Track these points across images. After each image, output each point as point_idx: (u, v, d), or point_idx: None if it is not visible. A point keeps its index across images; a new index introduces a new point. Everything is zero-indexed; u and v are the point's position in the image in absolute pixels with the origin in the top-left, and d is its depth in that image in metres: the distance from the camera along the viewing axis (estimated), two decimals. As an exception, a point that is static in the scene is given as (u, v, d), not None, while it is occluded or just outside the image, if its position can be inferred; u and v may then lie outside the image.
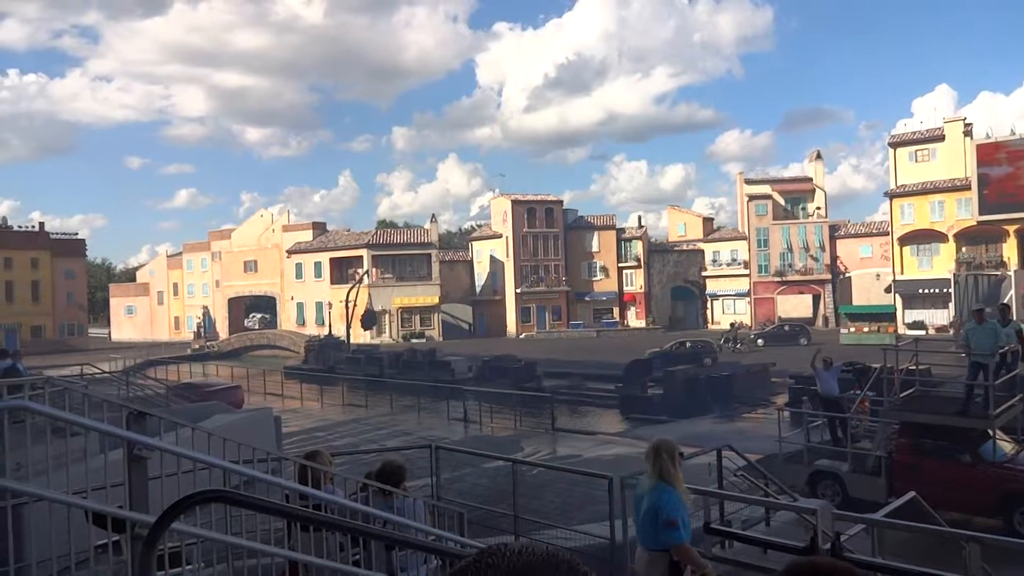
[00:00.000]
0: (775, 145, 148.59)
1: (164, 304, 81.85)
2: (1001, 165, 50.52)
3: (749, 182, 71.10)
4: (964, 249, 52.91)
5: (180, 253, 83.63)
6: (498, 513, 9.54)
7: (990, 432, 12.32)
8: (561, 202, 72.20)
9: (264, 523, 5.27)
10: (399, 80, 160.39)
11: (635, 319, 70.42)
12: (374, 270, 66.51)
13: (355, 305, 52.33)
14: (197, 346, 64.76)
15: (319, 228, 74.75)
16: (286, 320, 71.51)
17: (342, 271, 67.96)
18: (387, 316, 65.81)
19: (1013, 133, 51.63)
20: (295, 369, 42.14)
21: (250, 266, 74.24)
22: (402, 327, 66.39)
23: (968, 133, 55.57)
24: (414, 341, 60.22)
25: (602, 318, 69.89)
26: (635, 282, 71.11)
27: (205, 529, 4.37)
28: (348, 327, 51.50)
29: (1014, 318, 15.20)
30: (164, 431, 5.08)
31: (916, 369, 14.88)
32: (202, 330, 72.45)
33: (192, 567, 4.56)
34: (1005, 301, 16.43)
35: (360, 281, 57.60)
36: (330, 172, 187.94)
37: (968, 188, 51.99)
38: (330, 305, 61.12)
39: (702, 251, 71.52)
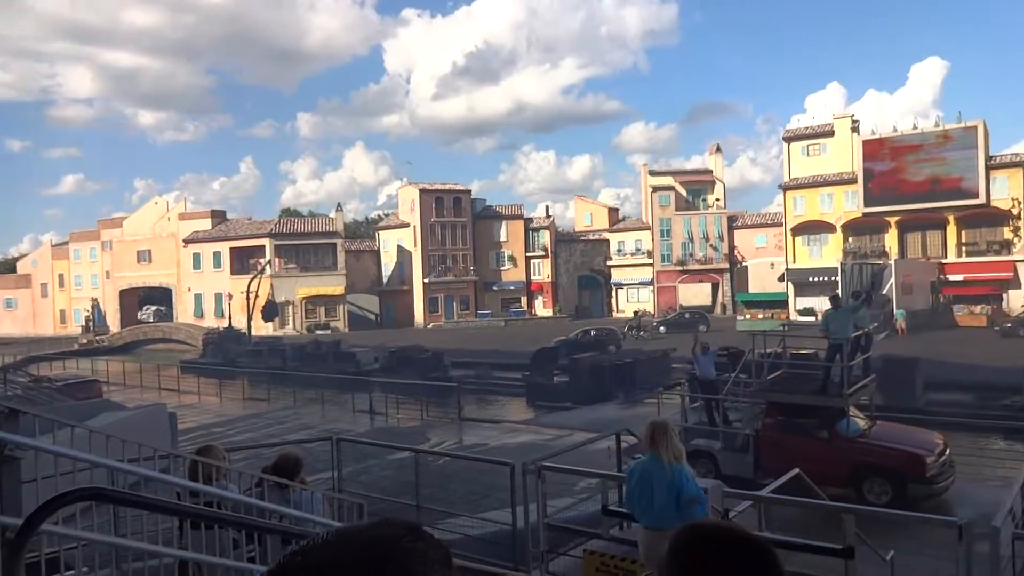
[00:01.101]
0: (678, 138, 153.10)
1: (48, 297, 77.27)
2: (885, 160, 53.62)
3: (653, 174, 72.93)
4: (851, 239, 55.97)
5: (67, 242, 79.10)
6: (401, 504, 9.48)
7: (845, 409, 13.12)
8: (469, 191, 72.17)
9: (156, 523, 5.06)
10: (303, 64, 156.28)
11: (543, 308, 71.23)
12: (277, 260, 64.71)
13: (256, 296, 50.80)
14: (85, 340, 61.46)
15: (219, 216, 72.07)
16: (183, 312, 68.70)
17: (243, 261, 65.83)
18: (291, 307, 64.23)
19: (896, 130, 54.87)
20: (192, 363, 40.60)
21: (144, 256, 70.91)
22: (306, 318, 64.94)
23: (856, 129, 58.74)
24: (319, 333, 59.02)
25: (510, 307, 70.37)
26: (543, 271, 71.90)
27: (87, 531, 4.15)
28: (249, 319, 49.99)
29: (871, 304, 16.42)
30: (42, 430, 4.80)
31: (783, 352, 15.64)
32: (91, 324, 68.72)
33: (74, 572, 4.32)
34: (859, 289, 17.86)
35: (262, 271, 55.97)
36: (231, 158, 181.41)
37: (855, 181, 54.97)
38: (230, 296, 59.07)
39: (608, 241, 72.97)
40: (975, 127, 50.80)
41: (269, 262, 61.88)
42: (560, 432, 19.84)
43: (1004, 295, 49.51)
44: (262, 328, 56.71)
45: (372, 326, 67.85)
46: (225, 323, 53.78)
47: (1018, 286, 49.25)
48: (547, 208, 79.11)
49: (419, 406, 24.82)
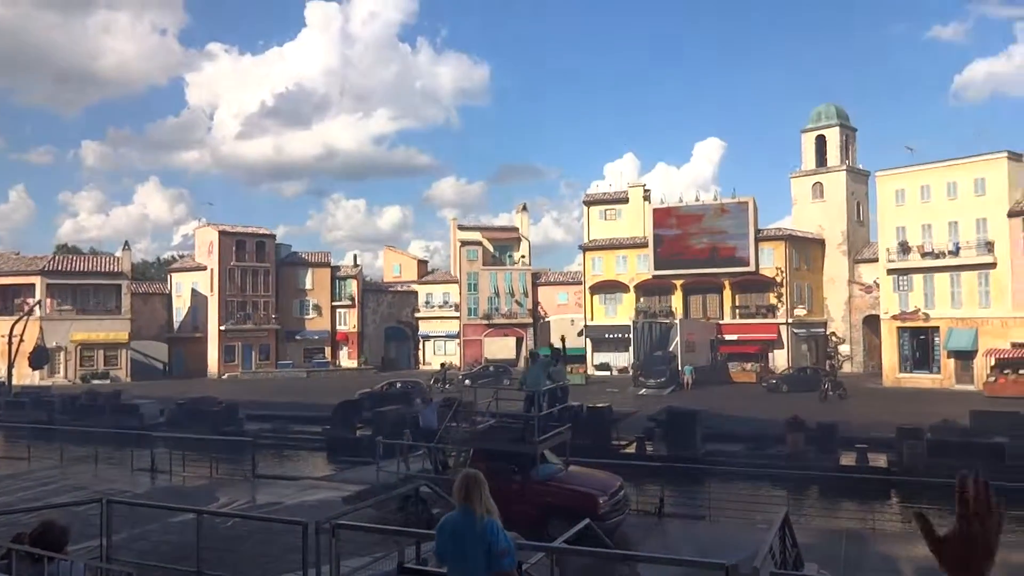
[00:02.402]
0: (487, 195, 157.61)
1: None
2: (672, 228, 58.49)
3: (462, 228, 74.46)
4: (642, 299, 60.11)
5: None
6: (180, 571, 8.70)
7: (534, 455, 14.54)
8: (274, 236, 69.55)
9: None
10: (92, 89, 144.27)
11: (347, 359, 69.57)
12: (49, 300, 58.35)
13: (22, 341, 45.41)
14: None
15: (-21, 250, 64.01)
16: (-73, 357, 59.72)
17: (7, 301, 58.69)
18: (62, 353, 57.95)
19: (681, 201, 60.17)
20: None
21: None
22: (81, 366, 58.83)
23: (647, 198, 63.78)
24: (95, 382, 53.62)
25: (313, 358, 68.07)
26: (348, 321, 70.45)
27: None
28: (10, 366, 44.48)
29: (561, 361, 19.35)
30: None
31: (496, 403, 17.52)
32: None
33: None
34: (557, 345, 20.83)
35: (29, 313, 50.17)
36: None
37: (646, 246, 59.40)
38: (-11, 340, 52.21)
39: (416, 292, 73.09)
40: (747, 202, 56.94)
41: (39, 303, 55.64)
42: (361, 487, 19.24)
43: (770, 354, 55.25)
44: (27, 376, 50.64)
45: (159, 375, 62.78)
46: (-20, 371, 47.37)
47: (781, 346, 55.19)
48: (355, 257, 78.05)
49: (208, 463, 23.08)
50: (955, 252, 45.82)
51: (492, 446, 15.01)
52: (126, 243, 65.39)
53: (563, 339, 21.54)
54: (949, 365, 46.16)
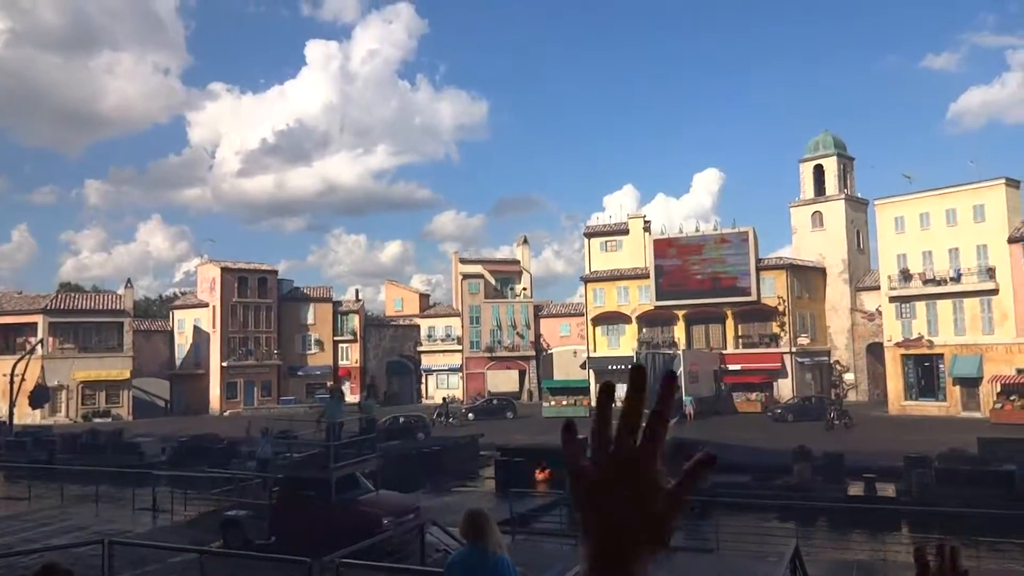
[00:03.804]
0: (487, 228, 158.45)
1: None
2: (673, 258, 58.58)
3: (463, 261, 74.62)
4: (644, 330, 60.00)
5: None
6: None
7: (331, 480, 16.00)
8: (275, 272, 69.71)
9: None
10: (95, 129, 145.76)
11: (350, 394, 69.18)
12: (51, 339, 58.30)
13: (23, 380, 45.28)
14: None
15: (-18, 289, 64.15)
16: (-72, 398, 59.50)
17: (8, 340, 58.66)
18: (64, 392, 57.73)
19: (682, 231, 60.38)
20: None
21: None
22: (83, 404, 58.58)
23: (647, 229, 64.00)
24: (97, 421, 53.35)
25: (316, 393, 67.73)
26: (351, 356, 70.26)
27: None
28: (11, 405, 44.27)
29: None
30: None
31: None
32: None
33: None
34: (335, 385, 25.19)
35: (31, 351, 50.08)
36: (1, 225, 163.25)
37: (647, 277, 59.44)
38: (-10, 380, 52.06)
39: (418, 326, 73.00)
40: (747, 232, 57.09)
41: (41, 341, 55.56)
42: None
43: (774, 383, 54.97)
44: (28, 416, 50.39)
45: (160, 413, 62.48)
46: (-19, 410, 47.14)
47: (785, 376, 54.93)
48: (357, 292, 78.09)
49: (211, 501, 22.87)
50: (956, 279, 45.81)
51: (289, 473, 16.83)
52: (128, 281, 65.55)
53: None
54: (955, 392, 45.89)
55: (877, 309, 52.69)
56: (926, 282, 46.98)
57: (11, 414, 44.00)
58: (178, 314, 69.56)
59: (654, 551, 0.83)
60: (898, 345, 48.23)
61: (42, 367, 54.65)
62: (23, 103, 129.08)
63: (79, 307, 62.15)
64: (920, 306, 47.43)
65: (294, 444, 19.14)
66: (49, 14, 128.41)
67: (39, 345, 54.40)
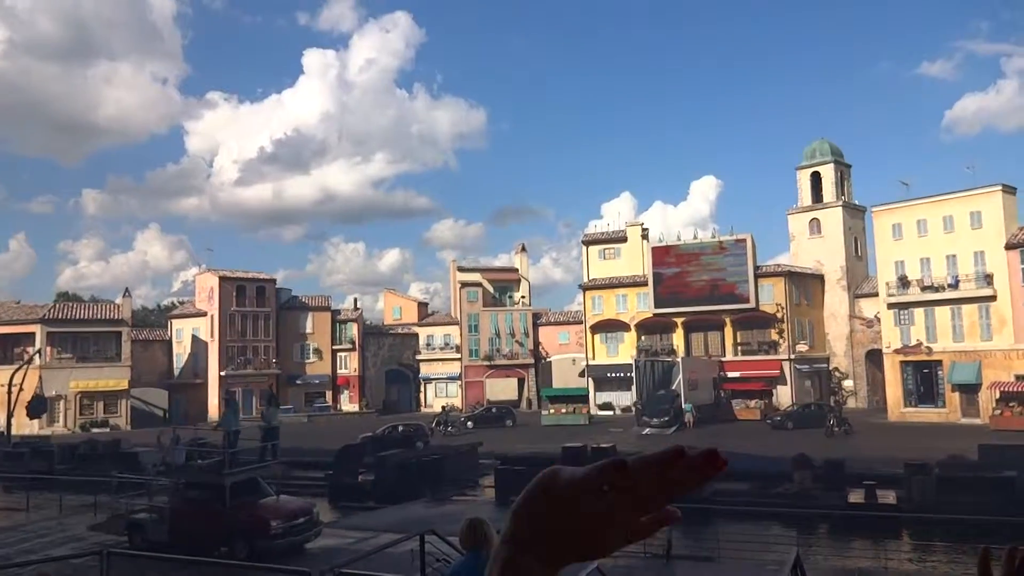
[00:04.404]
0: (486, 236, 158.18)
1: None
2: (671, 266, 58.63)
3: (462, 270, 74.63)
4: (643, 338, 59.97)
5: None
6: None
7: (224, 485, 17.18)
8: (274, 280, 69.69)
9: None
10: (93, 138, 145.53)
11: (349, 403, 69.16)
12: (49, 349, 58.18)
13: (21, 390, 45.12)
14: None
15: (-21, 299, 64.06)
16: (-75, 408, 59.31)
17: (7, 350, 58.52)
18: (62, 402, 57.58)
19: (679, 239, 60.44)
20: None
21: None
22: (81, 414, 58.43)
23: (645, 236, 64.07)
24: (95, 431, 53.16)
25: (314, 402, 67.64)
26: (349, 365, 70.18)
27: None
28: (9, 416, 44.11)
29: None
30: None
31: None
32: None
33: None
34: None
35: (29, 361, 49.95)
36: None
37: (646, 284, 59.46)
38: (-12, 390, 51.90)
39: (417, 335, 72.93)
40: (745, 239, 57.17)
41: (38, 351, 55.46)
42: (364, 534, 19.00)
43: (774, 391, 54.94)
44: (25, 426, 50.24)
45: (159, 423, 62.23)
46: (-22, 421, 47.00)
47: (784, 383, 54.91)
48: (355, 300, 78.00)
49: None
50: (954, 285, 45.88)
51: (188, 478, 18.37)
52: (126, 290, 65.51)
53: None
54: (954, 399, 45.89)
55: (876, 316, 52.73)
56: (924, 289, 47.03)
57: (9, 425, 43.86)
58: (176, 323, 69.47)
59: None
60: (897, 352, 48.24)
61: (40, 377, 54.46)
62: (21, 113, 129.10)
63: (77, 317, 62.02)
64: (919, 313, 47.47)
65: (202, 451, 20.71)
66: (47, 24, 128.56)
67: (37, 355, 54.29)
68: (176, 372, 67.41)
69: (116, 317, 61.79)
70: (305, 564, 12.94)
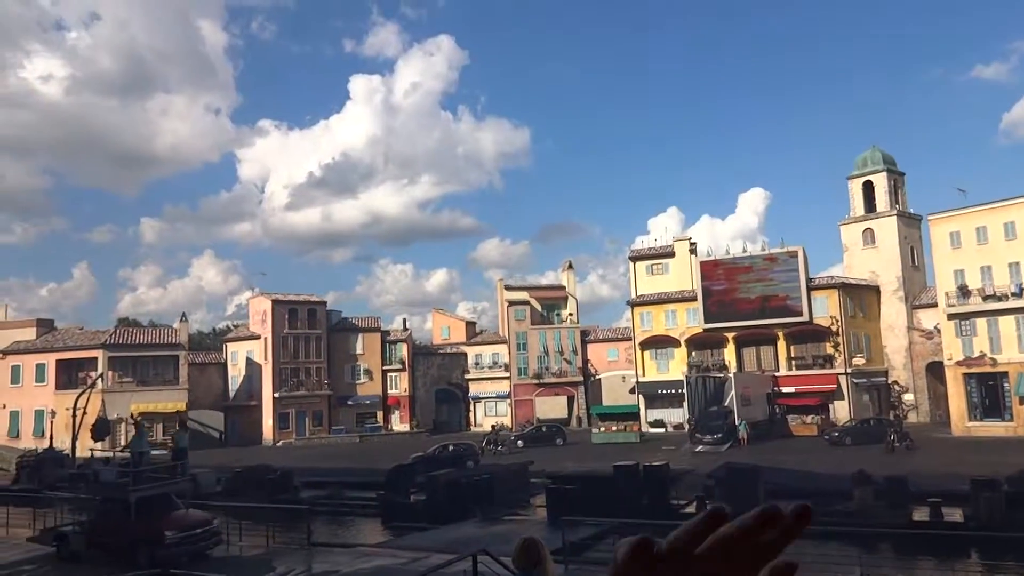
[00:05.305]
0: (532, 254, 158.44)
1: None
2: (720, 280, 57.85)
3: (509, 288, 74.75)
4: (694, 353, 59.15)
5: None
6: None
7: (128, 499, 18.80)
8: (324, 303, 70.76)
9: None
10: (150, 169, 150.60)
11: (399, 423, 69.60)
12: (111, 373, 59.95)
13: (85, 413, 46.49)
14: None
15: (45, 325, 66.38)
16: (-5, 432, 61.57)
17: (71, 375, 60.45)
18: (123, 424, 59.16)
19: (728, 253, 59.63)
20: (1, 490, 36.25)
21: (-48, 369, 63.64)
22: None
23: (693, 251, 63.38)
24: (155, 453, 54.39)
25: (366, 422, 68.24)
26: (399, 385, 70.70)
27: None
28: (74, 439, 45.44)
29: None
30: None
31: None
32: None
33: None
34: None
35: (92, 386, 51.51)
36: (63, 264, 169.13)
37: (695, 299, 58.72)
38: (53, 414, 53.77)
39: (465, 354, 73.16)
40: (796, 251, 56.13)
41: (101, 375, 57.17)
42: (416, 555, 19.02)
43: (830, 406, 53.56)
44: (90, 449, 51.70)
45: (215, 444, 63.51)
46: (45, 443, 48.65)
47: (841, 397, 53.50)
48: (404, 321, 78.84)
49: (265, 531, 23.11)
50: (1018, 294, 44.29)
51: (102, 494, 20.10)
52: (183, 315, 67.20)
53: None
54: (1021, 412, 44.15)
55: (935, 327, 51.13)
56: (986, 298, 45.48)
57: (74, 447, 45.22)
58: (231, 346, 70.95)
59: None
60: (959, 364, 46.65)
61: (103, 400, 56.14)
62: (83, 146, 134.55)
63: (137, 341, 63.89)
64: (981, 323, 45.89)
65: (123, 470, 22.03)
66: (107, 60, 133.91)
67: (100, 379, 55.99)
68: (231, 394, 68.75)
69: (174, 341, 63.42)
70: (211, 570, 14.40)
